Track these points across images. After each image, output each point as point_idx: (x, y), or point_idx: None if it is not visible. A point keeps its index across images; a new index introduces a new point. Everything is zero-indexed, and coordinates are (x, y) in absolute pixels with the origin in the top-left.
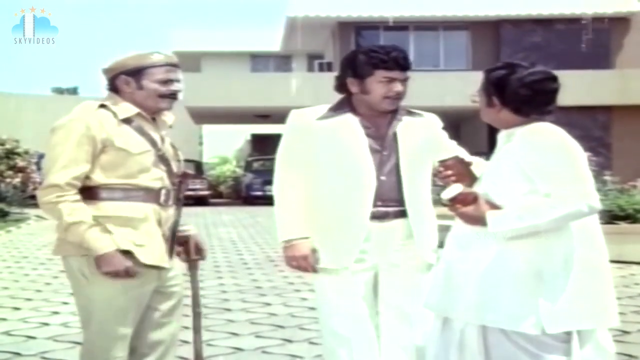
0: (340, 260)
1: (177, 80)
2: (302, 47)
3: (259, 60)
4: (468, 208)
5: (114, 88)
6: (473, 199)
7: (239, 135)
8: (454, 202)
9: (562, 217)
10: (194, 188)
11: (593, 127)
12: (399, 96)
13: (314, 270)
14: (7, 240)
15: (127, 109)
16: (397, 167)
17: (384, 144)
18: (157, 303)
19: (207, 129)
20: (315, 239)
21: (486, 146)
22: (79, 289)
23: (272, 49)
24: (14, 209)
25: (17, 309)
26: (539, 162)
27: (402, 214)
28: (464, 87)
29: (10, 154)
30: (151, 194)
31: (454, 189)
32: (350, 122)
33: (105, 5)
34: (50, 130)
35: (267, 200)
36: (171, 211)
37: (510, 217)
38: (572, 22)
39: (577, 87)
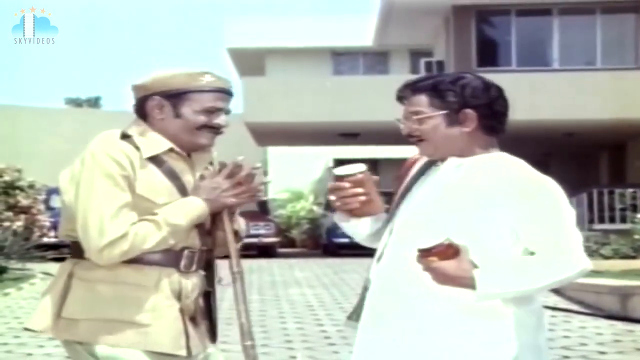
0: None
1: (226, 112)
2: (402, 40)
3: (343, 59)
4: (447, 263)
5: (141, 110)
6: (454, 253)
7: (317, 160)
8: (429, 253)
9: (554, 284)
10: (257, 234)
11: None
12: None
13: None
14: (3, 306)
15: (156, 144)
16: None
17: None
18: None
19: (274, 152)
20: None
21: None
22: None
23: (362, 44)
24: (13, 264)
25: None
26: (527, 210)
27: None
28: (634, 92)
29: (10, 188)
30: (169, 256)
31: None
32: None
33: None
34: (66, 180)
35: (355, 250)
36: (195, 279)
37: (502, 281)
38: None
39: None
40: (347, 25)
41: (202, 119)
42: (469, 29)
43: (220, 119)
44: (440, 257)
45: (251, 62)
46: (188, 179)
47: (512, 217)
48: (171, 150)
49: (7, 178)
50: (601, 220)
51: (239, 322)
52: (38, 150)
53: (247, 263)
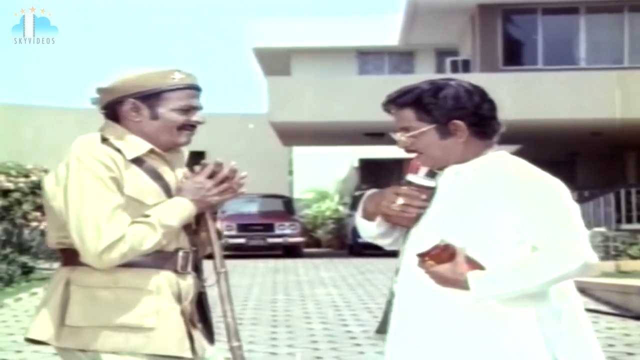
0: None
1: (199, 108)
2: (428, 40)
3: (369, 59)
4: (443, 267)
5: (112, 114)
6: (450, 256)
7: (343, 160)
8: (426, 257)
9: (555, 279)
10: (282, 234)
11: None
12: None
13: None
14: (30, 305)
15: (137, 145)
16: None
17: None
18: None
19: (300, 152)
20: None
21: None
22: None
23: (388, 43)
24: (40, 264)
25: None
26: (527, 207)
27: None
28: None
29: (37, 188)
30: (164, 258)
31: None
32: None
33: None
34: (52, 185)
35: (381, 250)
36: (190, 280)
37: (496, 281)
38: None
39: None
40: (372, 24)
41: (181, 118)
42: (495, 27)
43: (198, 117)
44: (436, 261)
45: (276, 61)
46: (170, 178)
47: (514, 216)
48: (151, 151)
49: (34, 178)
50: (629, 220)
51: (225, 322)
52: (63, 151)
53: (272, 263)
